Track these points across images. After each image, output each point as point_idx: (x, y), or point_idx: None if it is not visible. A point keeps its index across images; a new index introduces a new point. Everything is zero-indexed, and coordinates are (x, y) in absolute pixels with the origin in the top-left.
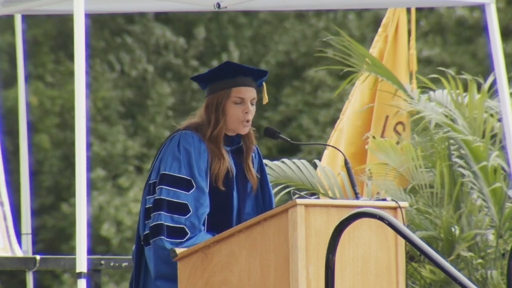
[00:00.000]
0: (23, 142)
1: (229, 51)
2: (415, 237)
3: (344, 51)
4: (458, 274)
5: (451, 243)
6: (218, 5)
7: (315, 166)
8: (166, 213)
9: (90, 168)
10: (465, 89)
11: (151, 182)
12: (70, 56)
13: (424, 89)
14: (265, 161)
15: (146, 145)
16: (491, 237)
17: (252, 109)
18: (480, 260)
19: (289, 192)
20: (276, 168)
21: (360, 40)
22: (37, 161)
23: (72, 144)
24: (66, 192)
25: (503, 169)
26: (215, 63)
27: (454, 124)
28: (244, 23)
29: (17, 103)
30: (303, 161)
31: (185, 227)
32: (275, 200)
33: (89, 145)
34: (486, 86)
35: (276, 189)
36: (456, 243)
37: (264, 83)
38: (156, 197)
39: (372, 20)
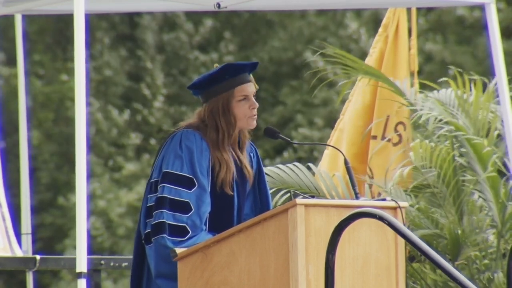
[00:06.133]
0: (23, 141)
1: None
2: (415, 237)
3: (338, 61)
4: (458, 274)
5: (457, 245)
6: (218, 5)
7: (309, 168)
8: (168, 211)
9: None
10: (467, 88)
11: (152, 180)
12: (63, 51)
13: (426, 88)
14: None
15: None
16: (491, 237)
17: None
18: (485, 261)
19: (288, 195)
20: (272, 173)
21: (357, 39)
22: (31, 157)
23: (67, 137)
24: (63, 187)
25: (505, 166)
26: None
27: (457, 123)
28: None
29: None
30: (298, 164)
31: (186, 225)
32: (275, 205)
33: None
34: (491, 85)
35: (272, 190)
36: (464, 245)
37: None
38: (158, 195)
39: (370, 19)
